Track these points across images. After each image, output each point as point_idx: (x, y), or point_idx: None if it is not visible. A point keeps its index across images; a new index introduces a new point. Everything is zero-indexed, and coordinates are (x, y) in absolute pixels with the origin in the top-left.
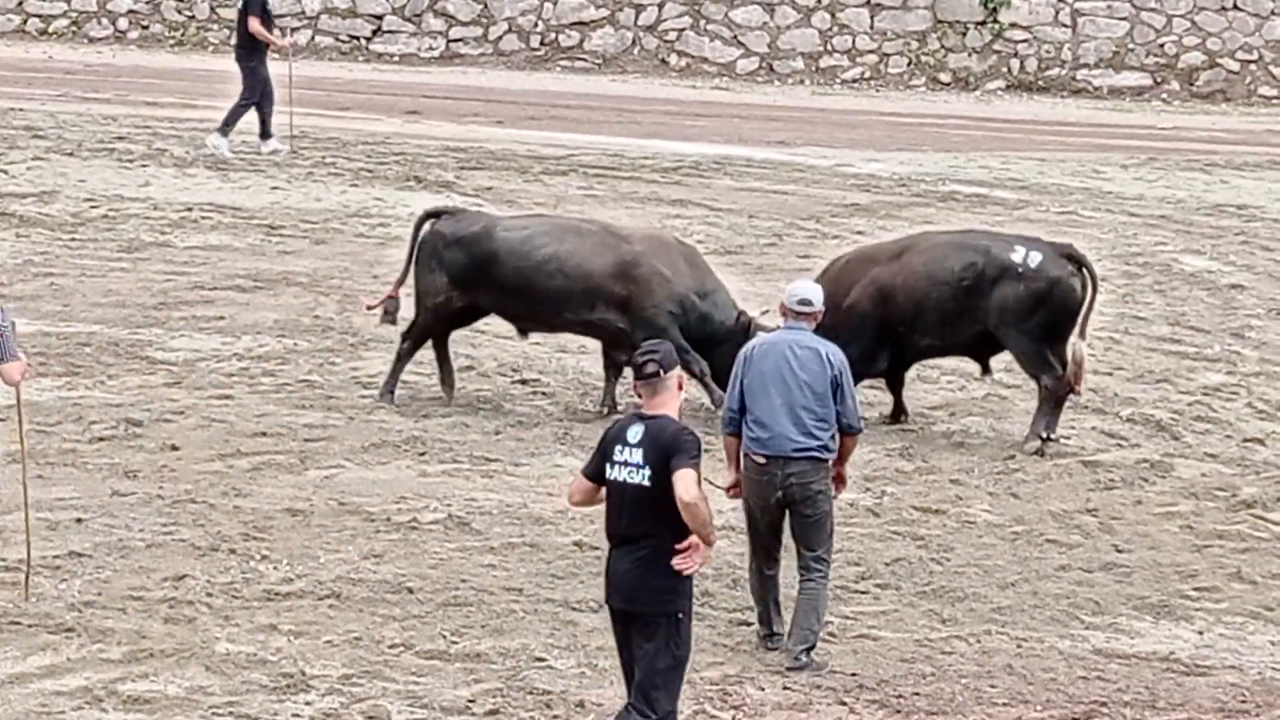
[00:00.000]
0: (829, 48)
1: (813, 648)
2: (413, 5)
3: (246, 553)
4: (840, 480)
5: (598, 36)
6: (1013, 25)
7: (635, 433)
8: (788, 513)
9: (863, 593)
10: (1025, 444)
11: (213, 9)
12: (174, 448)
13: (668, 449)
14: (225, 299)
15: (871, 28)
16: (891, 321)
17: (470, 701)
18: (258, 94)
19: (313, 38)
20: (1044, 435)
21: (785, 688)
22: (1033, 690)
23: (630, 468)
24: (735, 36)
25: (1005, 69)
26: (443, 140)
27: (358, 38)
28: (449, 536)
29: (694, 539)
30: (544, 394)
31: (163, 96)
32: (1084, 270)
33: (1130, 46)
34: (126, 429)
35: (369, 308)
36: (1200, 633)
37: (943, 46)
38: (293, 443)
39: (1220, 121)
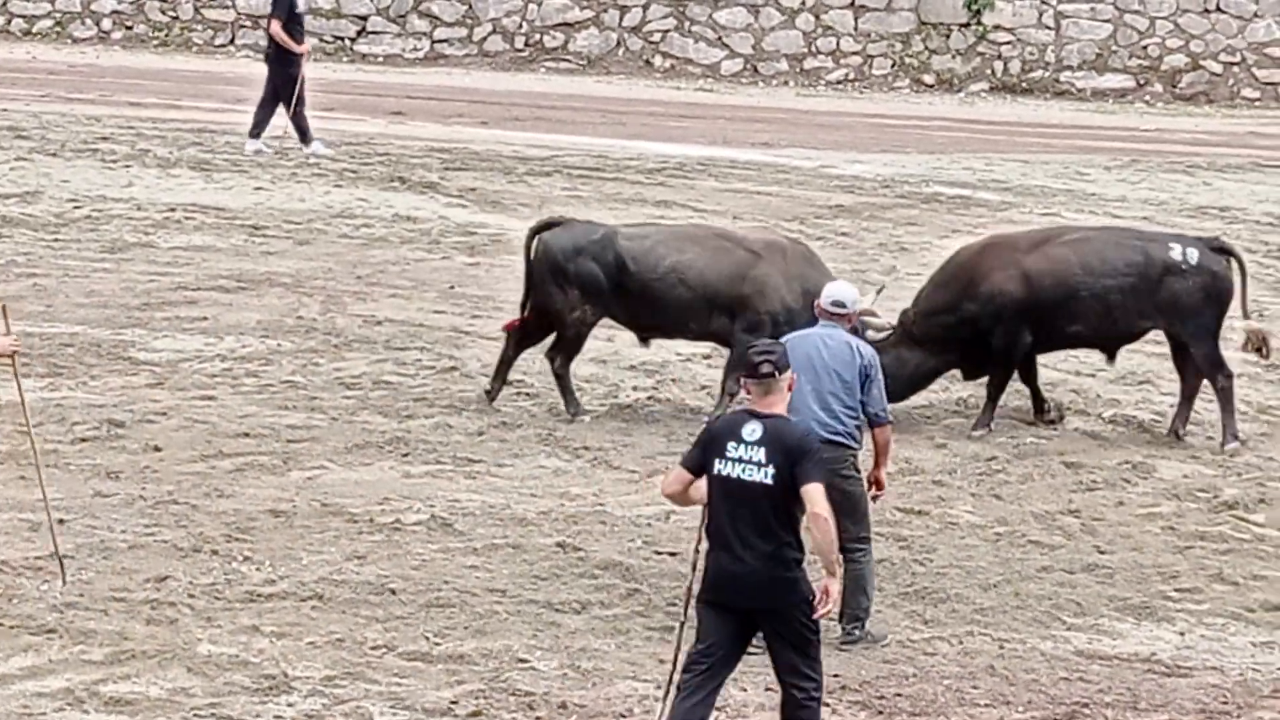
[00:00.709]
0: (813, 49)
1: (864, 623)
2: (397, 6)
3: (229, 554)
4: (878, 485)
5: (582, 38)
6: (996, 27)
7: (753, 430)
8: None
9: None
10: (1225, 447)
11: (197, 9)
12: (156, 448)
13: (796, 453)
14: (208, 299)
15: (856, 29)
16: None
17: (453, 703)
18: (287, 92)
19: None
20: (1237, 434)
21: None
22: (1015, 691)
23: (749, 465)
24: (720, 38)
25: (989, 71)
26: (427, 141)
27: (342, 38)
28: (432, 538)
29: (826, 585)
30: (528, 395)
31: (146, 97)
32: (1236, 261)
33: (1113, 49)
34: (109, 430)
35: (505, 329)
36: (1182, 634)
37: (926, 48)
38: (275, 444)
39: (1203, 123)
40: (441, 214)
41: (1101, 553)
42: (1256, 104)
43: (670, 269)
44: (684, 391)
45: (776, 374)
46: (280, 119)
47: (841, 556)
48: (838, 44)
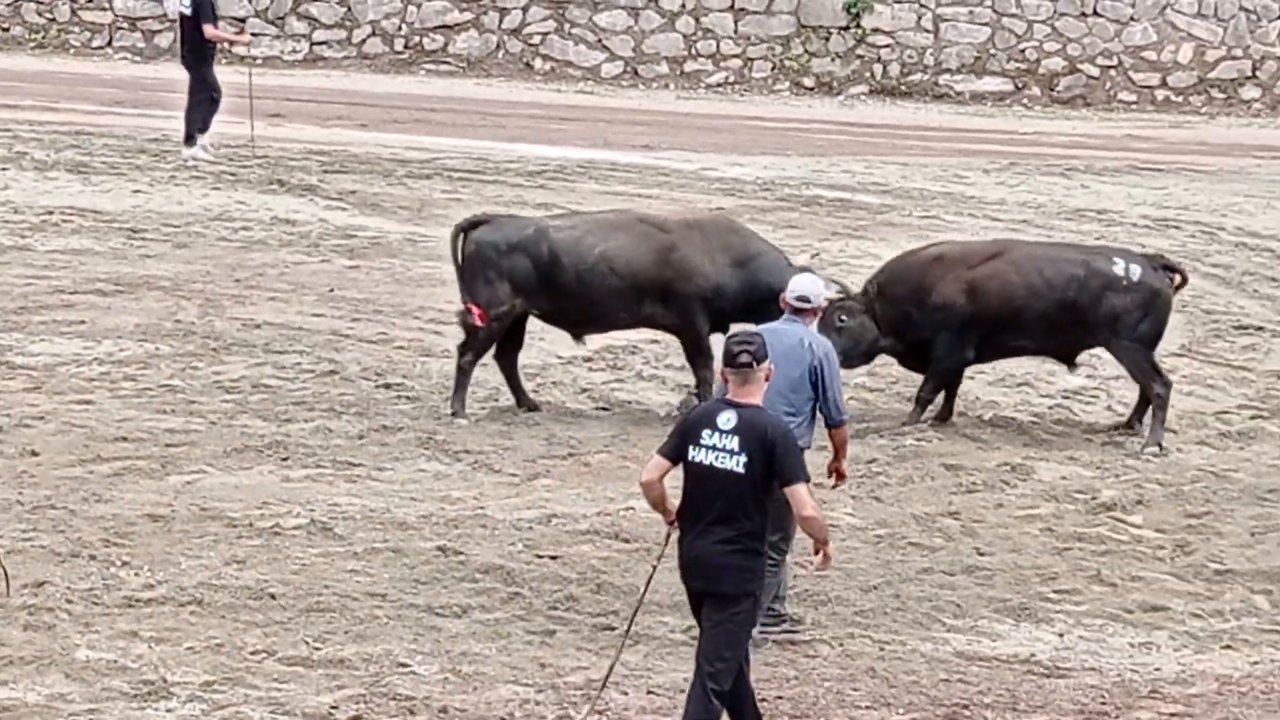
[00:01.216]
0: (693, 52)
1: (780, 618)
2: (276, 8)
3: (107, 559)
4: (839, 475)
5: (462, 40)
6: (875, 30)
7: (727, 419)
8: None
9: None
10: (1145, 450)
11: (74, 11)
12: (34, 453)
13: (770, 445)
14: (86, 303)
15: (735, 32)
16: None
17: (333, 708)
18: (209, 93)
19: (175, 40)
20: (1160, 443)
21: (649, 692)
22: (895, 693)
23: (722, 453)
24: (600, 40)
25: (868, 74)
26: (306, 143)
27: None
28: (312, 542)
29: (823, 550)
30: (408, 398)
31: (23, 99)
32: (1180, 277)
33: (991, 52)
34: None
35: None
36: (1060, 635)
37: (806, 51)
38: (154, 448)
39: (1080, 126)
40: (321, 217)
41: (981, 554)
42: (1133, 107)
43: (600, 258)
44: (564, 395)
45: (755, 364)
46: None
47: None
48: (718, 47)
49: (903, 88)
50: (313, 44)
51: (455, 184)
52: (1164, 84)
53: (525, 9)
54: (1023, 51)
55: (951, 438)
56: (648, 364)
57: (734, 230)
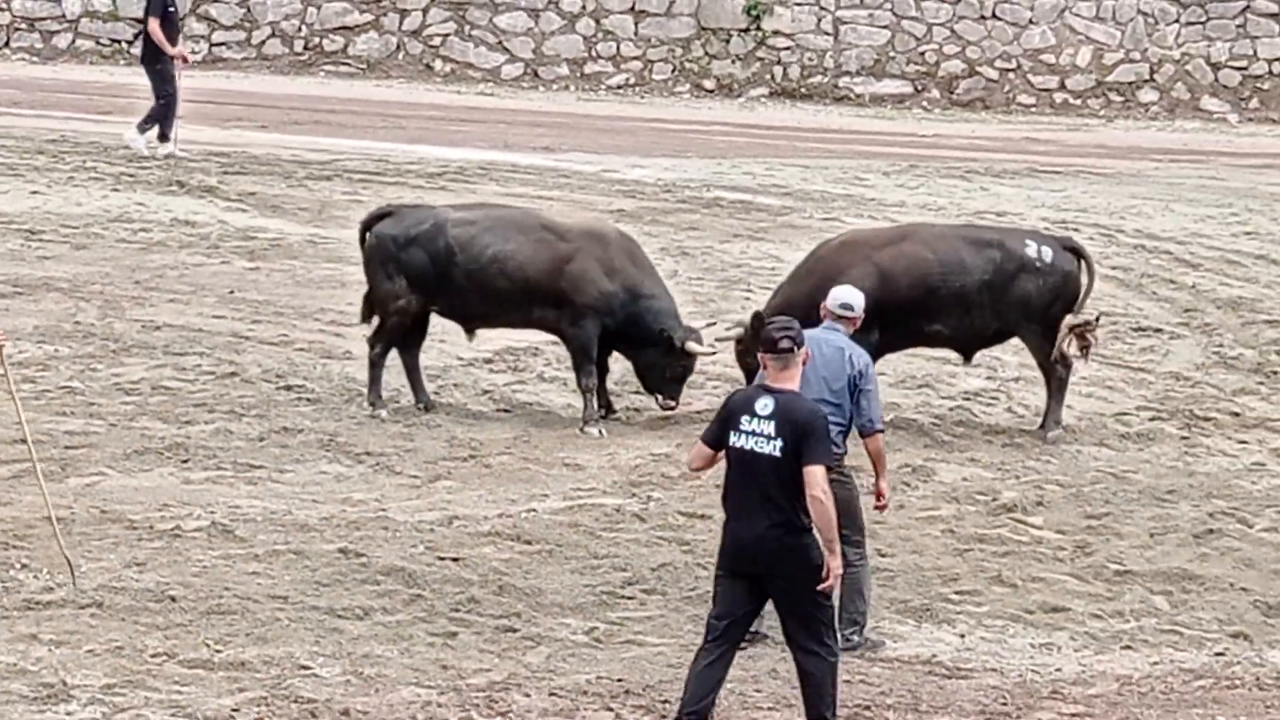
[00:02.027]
0: (594, 54)
1: (863, 627)
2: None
3: (6, 561)
4: (879, 496)
5: (362, 41)
6: (775, 33)
7: (765, 405)
8: None
9: (629, 598)
10: (1048, 435)
11: None
12: None
13: (804, 430)
14: None
15: (636, 34)
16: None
17: (234, 711)
18: (169, 94)
19: (73, 41)
20: (1060, 421)
21: (551, 694)
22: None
23: (760, 438)
24: (500, 42)
25: (768, 76)
26: (205, 145)
27: (119, 41)
28: (212, 544)
29: (830, 566)
30: (309, 400)
31: None
32: (1085, 263)
33: (891, 54)
34: None
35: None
36: (962, 636)
37: (706, 53)
38: (53, 450)
39: (980, 129)
40: (220, 218)
41: (882, 555)
42: (1032, 110)
43: (493, 259)
44: (465, 396)
45: (794, 349)
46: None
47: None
48: (618, 49)
49: (803, 90)
50: (212, 45)
51: (355, 185)
52: (1062, 87)
53: (425, 11)
54: (922, 54)
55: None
56: (549, 366)
57: (634, 259)
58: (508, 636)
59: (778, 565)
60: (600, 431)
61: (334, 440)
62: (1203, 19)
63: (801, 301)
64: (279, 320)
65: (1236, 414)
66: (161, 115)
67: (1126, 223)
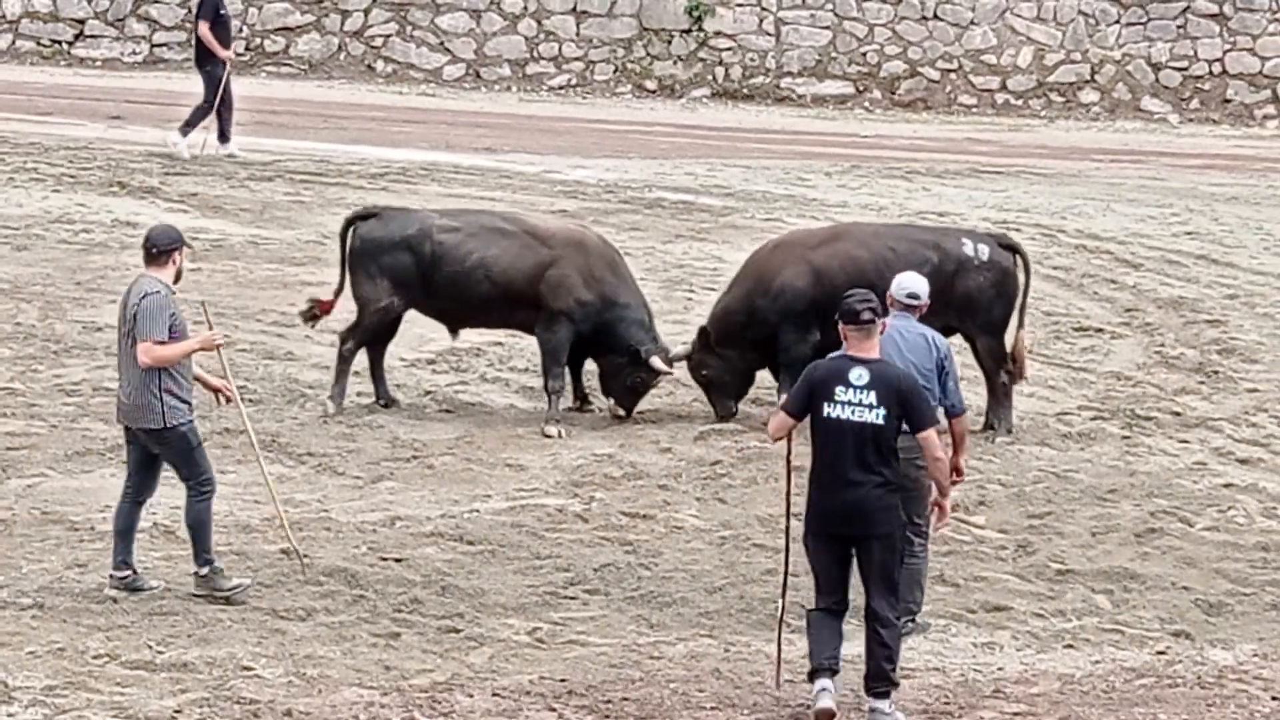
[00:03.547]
0: (535, 54)
1: (916, 617)
2: (115, 10)
3: None
4: (958, 472)
5: (303, 42)
6: (717, 34)
7: (859, 375)
8: None
9: (571, 598)
10: (997, 438)
11: None
12: None
13: (906, 394)
14: None
15: (578, 35)
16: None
17: (176, 712)
18: (217, 97)
19: (13, 42)
20: (1011, 429)
21: (494, 694)
22: (740, 694)
23: (860, 407)
24: (442, 43)
25: (710, 77)
26: (147, 146)
27: (59, 42)
28: (154, 545)
29: (940, 502)
30: (251, 401)
31: None
32: (1020, 258)
33: (833, 55)
34: None
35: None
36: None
37: (648, 54)
38: None
39: (921, 130)
40: (162, 219)
41: None
42: (973, 110)
43: (478, 264)
44: (408, 397)
45: (875, 319)
46: (231, 120)
47: (907, 546)
48: (560, 49)
49: (744, 91)
50: (153, 46)
51: (297, 186)
52: (1004, 88)
53: (367, 11)
54: (864, 55)
55: (796, 439)
56: (491, 366)
57: (614, 269)
58: (450, 637)
59: (874, 526)
60: (560, 432)
61: (276, 441)
62: (1143, 20)
63: (740, 306)
64: (220, 321)
65: (1178, 413)
66: (201, 118)
67: (1068, 223)
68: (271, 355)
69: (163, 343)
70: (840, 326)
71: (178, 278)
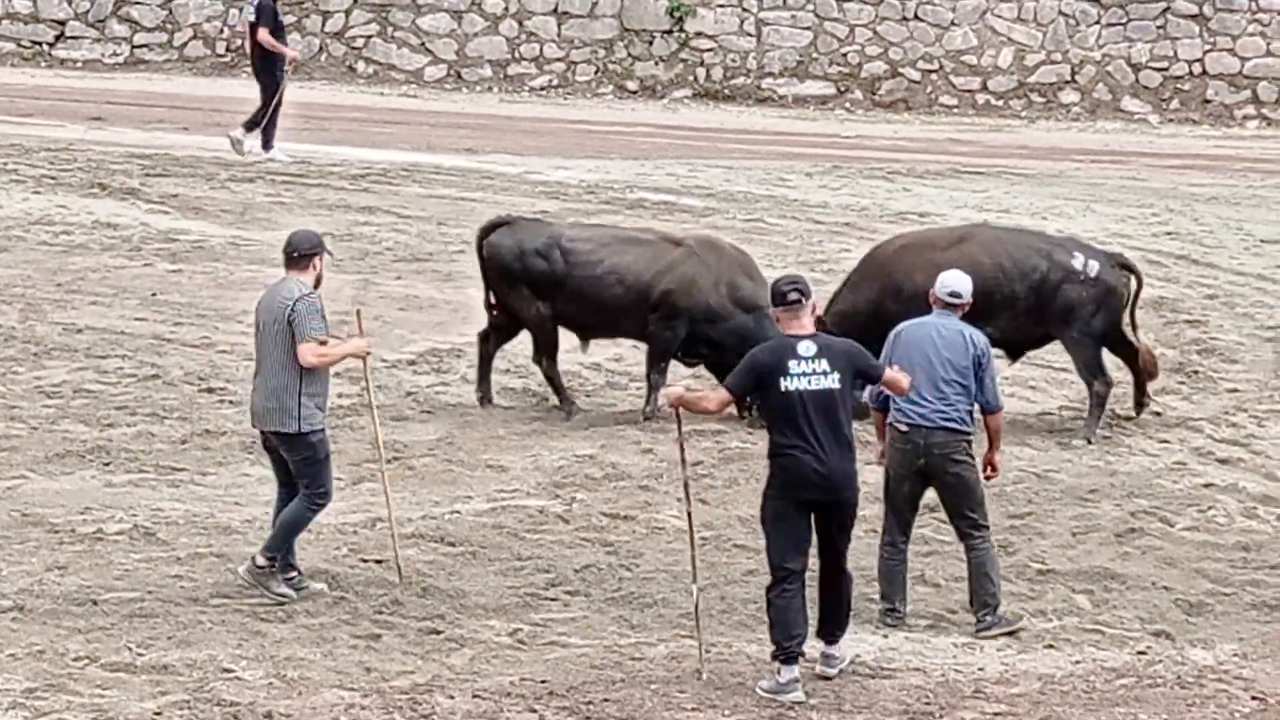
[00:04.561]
0: (516, 55)
1: (996, 608)
2: (96, 11)
3: None
4: (993, 467)
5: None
6: (699, 34)
7: (806, 347)
8: (932, 486)
9: (552, 600)
10: (1074, 443)
11: None
12: None
13: (854, 357)
14: None
15: (559, 35)
16: None
17: (157, 714)
18: (276, 99)
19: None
20: (1090, 438)
21: (475, 696)
22: (721, 695)
23: (816, 375)
24: (423, 44)
25: (691, 77)
26: (128, 147)
27: (40, 43)
28: (135, 547)
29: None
30: (231, 403)
31: None
32: (1135, 276)
33: (814, 56)
34: None
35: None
36: (885, 636)
37: (629, 55)
38: None
39: (902, 130)
40: (143, 221)
41: None
42: (954, 111)
43: (609, 270)
44: (389, 398)
45: (803, 299)
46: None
47: (967, 541)
48: (541, 50)
49: (726, 91)
50: (134, 47)
51: (278, 188)
52: (984, 88)
53: (348, 12)
54: (845, 55)
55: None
56: (472, 368)
57: (748, 272)
58: (431, 639)
59: (841, 491)
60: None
61: (256, 442)
62: (1123, 20)
63: (867, 308)
64: (201, 323)
65: (1158, 413)
66: (262, 119)
67: (1048, 223)
68: (251, 356)
69: (324, 342)
70: (772, 310)
71: (318, 283)
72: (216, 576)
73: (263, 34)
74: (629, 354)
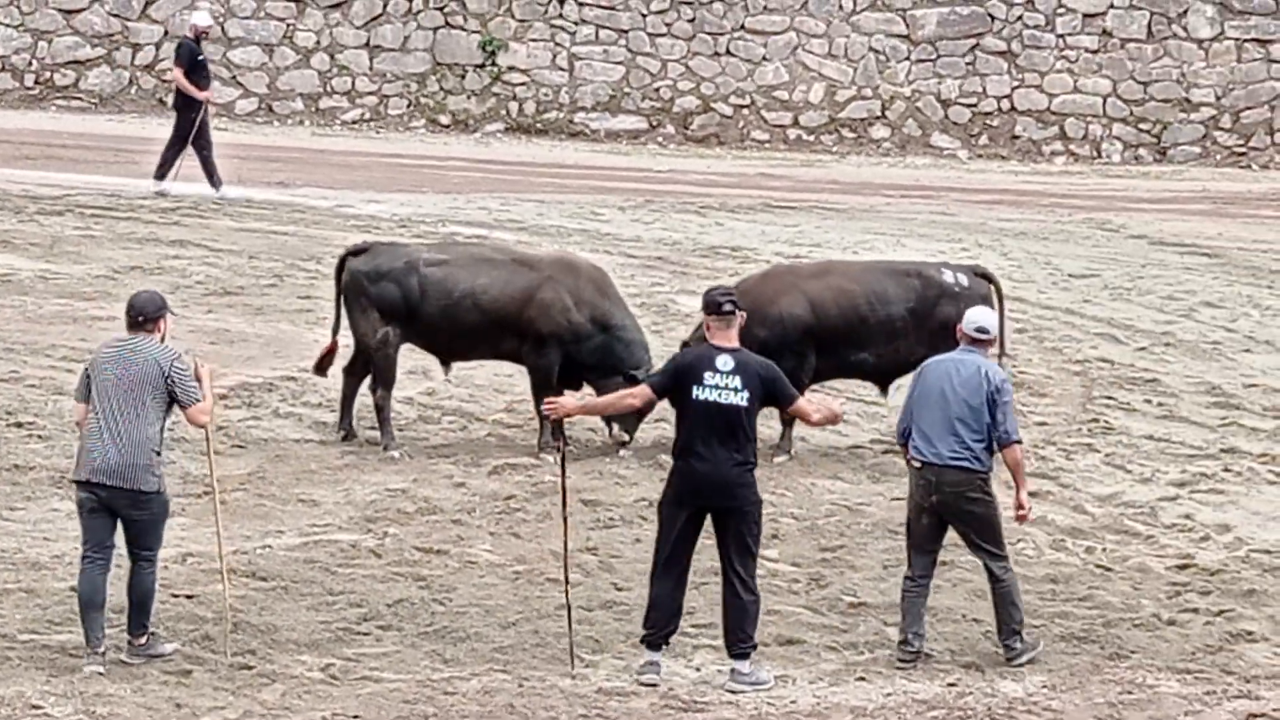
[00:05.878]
0: (329, 89)
1: (1022, 635)
2: None
3: None
4: (1020, 507)
5: (94, 75)
6: (511, 68)
7: (725, 362)
8: (949, 522)
9: (365, 634)
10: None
11: None
12: None
13: (767, 381)
14: None
15: (371, 69)
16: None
17: None
18: (188, 139)
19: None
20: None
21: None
22: (710, 700)
23: (726, 390)
24: (234, 77)
25: (504, 111)
26: None
27: None
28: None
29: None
30: (39, 437)
31: None
32: (994, 286)
33: (626, 90)
34: None
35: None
36: (698, 669)
37: (442, 89)
38: None
39: (714, 165)
40: None
41: (619, 589)
42: (766, 146)
43: (466, 294)
44: (199, 432)
45: (735, 311)
46: (192, 161)
47: (989, 574)
48: (353, 84)
49: (538, 125)
50: None
51: (88, 220)
52: (796, 123)
53: (158, 45)
54: (657, 90)
55: (589, 473)
56: (284, 401)
57: (603, 291)
58: (242, 674)
59: (733, 499)
60: (553, 458)
61: (65, 477)
62: (933, 56)
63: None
64: (9, 356)
65: None
66: (175, 158)
67: (860, 258)
68: (61, 391)
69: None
70: (704, 318)
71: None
72: (25, 612)
73: (176, 74)
74: (442, 388)
